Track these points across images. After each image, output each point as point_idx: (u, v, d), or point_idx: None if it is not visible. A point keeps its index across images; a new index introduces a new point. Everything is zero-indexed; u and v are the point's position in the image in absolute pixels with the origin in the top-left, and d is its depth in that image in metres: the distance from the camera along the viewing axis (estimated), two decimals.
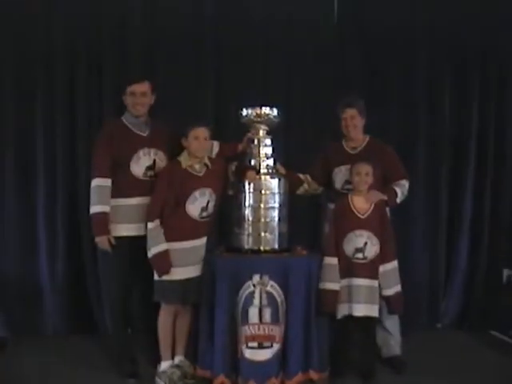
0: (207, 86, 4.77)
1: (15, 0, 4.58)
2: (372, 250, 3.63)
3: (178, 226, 3.57)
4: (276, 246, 3.77)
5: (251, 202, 3.74)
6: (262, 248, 3.74)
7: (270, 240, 3.76)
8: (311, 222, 4.76)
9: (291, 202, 3.91)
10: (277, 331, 3.53)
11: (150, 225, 3.54)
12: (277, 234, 3.77)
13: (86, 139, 4.55)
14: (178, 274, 3.57)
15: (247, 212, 3.74)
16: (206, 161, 3.68)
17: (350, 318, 3.63)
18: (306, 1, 4.83)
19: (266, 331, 3.52)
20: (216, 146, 3.95)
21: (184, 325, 3.78)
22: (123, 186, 3.72)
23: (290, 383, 3.54)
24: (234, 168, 3.79)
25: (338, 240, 3.68)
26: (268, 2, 4.83)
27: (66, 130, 4.64)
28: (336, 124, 4.05)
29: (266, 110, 3.82)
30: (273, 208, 3.75)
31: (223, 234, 4.12)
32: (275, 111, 3.84)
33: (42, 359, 4.14)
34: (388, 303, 3.69)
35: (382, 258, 3.65)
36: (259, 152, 3.86)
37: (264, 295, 3.53)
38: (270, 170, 3.84)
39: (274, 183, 3.77)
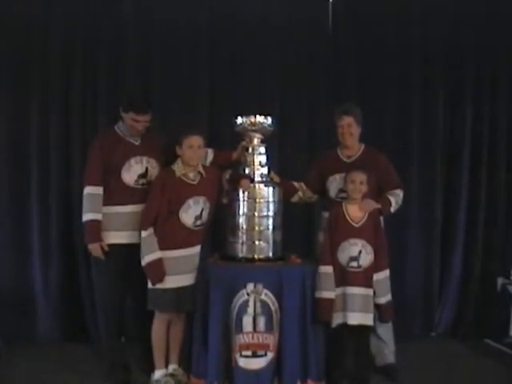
0: (202, 94, 4.79)
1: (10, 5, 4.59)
2: (366, 258, 3.63)
3: (171, 235, 3.56)
4: (270, 255, 3.77)
5: (245, 210, 3.74)
6: (256, 256, 3.74)
7: (264, 248, 3.76)
8: (305, 230, 4.77)
9: (285, 211, 3.91)
10: (271, 340, 3.52)
11: (143, 233, 3.54)
12: (271, 242, 3.77)
13: (81, 147, 4.56)
14: (172, 282, 3.56)
15: (241, 220, 3.74)
16: (200, 169, 3.68)
17: (344, 326, 3.62)
18: (300, 11, 4.84)
19: (260, 340, 3.51)
20: (210, 153, 3.95)
21: (178, 333, 3.76)
22: (114, 193, 3.73)
23: None
24: (228, 176, 3.78)
25: (332, 248, 3.67)
26: (263, 12, 4.84)
27: (60, 138, 4.63)
28: (330, 132, 4.06)
29: (260, 118, 3.82)
30: (267, 216, 3.75)
31: (217, 243, 4.12)
32: (269, 120, 3.84)
33: (35, 367, 4.11)
34: (380, 312, 3.68)
35: (376, 266, 3.64)
36: (253, 160, 3.86)
37: (258, 304, 3.52)
38: (265, 179, 3.85)
39: (268, 191, 3.77)
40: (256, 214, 3.73)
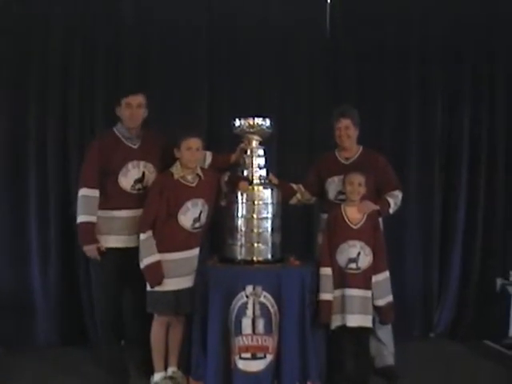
0: (200, 96, 4.78)
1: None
2: (365, 260, 3.63)
3: (170, 237, 3.56)
4: (269, 257, 3.77)
5: (244, 212, 3.73)
6: (255, 259, 3.73)
7: (263, 250, 3.75)
8: (304, 232, 4.77)
9: (284, 212, 3.90)
10: (270, 342, 3.52)
11: (142, 236, 3.54)
12: (270, 244, 3.76)
13: (78, 149, 4.55)
14: (171, 284, 3.56)
15: (240, 222, 3.74)
16: (199, 171, 3.68)
17: (343, 328, 3.63)
18: (299, 12, 4.84)
19: (260, 342, 3.51)
20: (209, 156, 3.95)
21: (177, 336, 3.76)
22: (111, 197, 3.74)
23: None
24: (226, 178, 3.78)
25: (331, 250, 3.68)
26: (261, 12, 4.84)
27: (58, 139, 4.62)
28: (329, 134, 4.06)
29: (258, 120, 3.81)
30: (266, 218, 3.75)
31: (216, 245, 4.12)
32: (268, 122, 3.83)
33: (34, 370, 4.10)
34: (379, 313, 3.68)
35: (375, 268, 3.65)
36: (252, 162, 3.85)
37: (257, 306, 3.52)
38: (263, 181, 3.84)
39: (266, 193, 3.77)
40: (255, 216, 3.73)
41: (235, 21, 4.84)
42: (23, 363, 4.25)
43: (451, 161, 4.99)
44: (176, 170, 3.63)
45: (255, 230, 3.73)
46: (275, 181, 3.94)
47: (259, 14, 4.84)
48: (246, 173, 3.84)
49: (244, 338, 3.50)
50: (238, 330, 3.50)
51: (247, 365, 3.50)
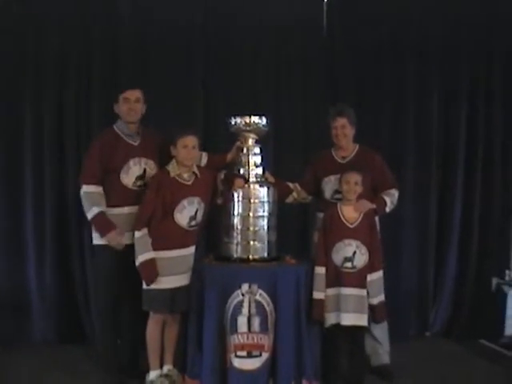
0: (196, 94, 4.79)
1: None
2: (361, 259, 3.64)
3: (166, 235, 3.56)
4: (265, 255, 3.77)
5: (240, 210, 3.74)
6: (250, 257, 3.74)
7: (259, 249, 3.75)
8: (300, 230, 4.77)
9: (280, 211, 3.90)
10: (266, 340, 3.52)
11: (137, 233, 3.53)
12: (266, 242, 3.77)
13: (75, 147, 4.58)
14: (167, 282, 3.55)
15: (236, 221, 3.74)
16: (195, 169, 3.67)
17: (338, 327, 3.63)
18: (295, 11, 4.84)
19: (255, 340, 3.51)
20: (204, 157, 3.95)
21: (172, 334, 3.76)
22: (112, 195, 3.72)
23: None
24: (222, 176, 3.78)
25: (327, 249, 3.68)
26: (257, 11, 4.84)
27: (54, 137, 4.62)
28: (325, 133, 4.06)
29: (254, 118, 3.81)
30: (262, 217, 3.75)
31: (212, 243, 4.12)
32: (264, 120, 3.84)
33: (31, 368, 4.11)
34: (373, 312, 3.68)
35: (370, 267, 3.65)
36: (248, 161, 3.85)
37: (253, 304, 3.52)
38: (259, 179, 3.84)
39: (262, 192, 3.77)
40: (251, 214, 3.73)
41: (232, 20, 4.84)
42: (20, 361, 4.25)
43: (448, 160, 4.99)
44: (172, 168, 3.63)
45: (251, 228, 3.73)
46: (271, 179, 3.94)
47: (256, 13, 4.84)
48: (242, 171, 3.84)
49: (240, 336, 3.50)
50: (234, 328, 3.50)
51: (243, 363, 3.50)
